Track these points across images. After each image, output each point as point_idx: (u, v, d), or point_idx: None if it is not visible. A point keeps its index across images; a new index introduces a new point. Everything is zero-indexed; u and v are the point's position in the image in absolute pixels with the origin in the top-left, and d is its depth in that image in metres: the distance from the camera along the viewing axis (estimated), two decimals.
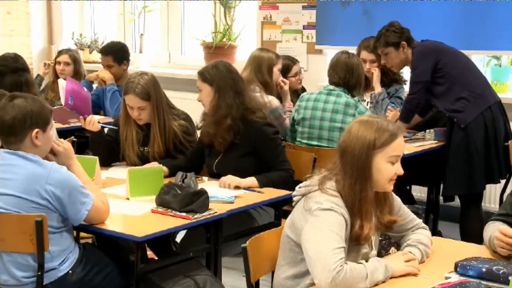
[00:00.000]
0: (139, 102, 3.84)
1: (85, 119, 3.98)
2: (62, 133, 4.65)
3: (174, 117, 3.95)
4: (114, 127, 4.04)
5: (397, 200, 2.65)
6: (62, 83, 4.28)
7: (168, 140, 3.89)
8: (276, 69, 4.74)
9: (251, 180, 3.61)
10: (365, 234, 2.44)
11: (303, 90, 5.41)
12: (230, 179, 3.58)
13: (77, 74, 5.96)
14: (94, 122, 3.96)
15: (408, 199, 4.89)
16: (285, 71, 4.96)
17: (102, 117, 5.55)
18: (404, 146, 2.55)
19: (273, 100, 4.61)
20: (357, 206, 2.44)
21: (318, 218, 2.38)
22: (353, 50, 5.15)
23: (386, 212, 2.57)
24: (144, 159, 3.90)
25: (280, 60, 4.78)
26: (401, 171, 2.51)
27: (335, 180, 2.48)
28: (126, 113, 3.93)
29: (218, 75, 3.70)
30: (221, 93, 3.68)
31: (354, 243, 2.46)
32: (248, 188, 3.56)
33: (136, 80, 3.85)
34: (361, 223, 2.44)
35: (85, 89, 4.40)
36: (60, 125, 4.97)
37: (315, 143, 4.39)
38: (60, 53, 6.10)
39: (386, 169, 2.47)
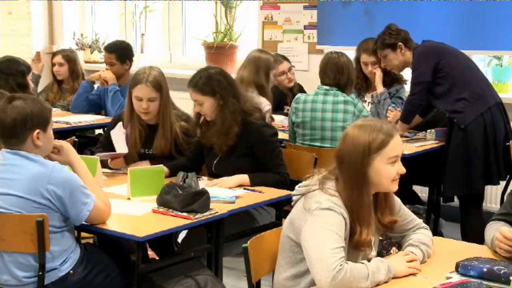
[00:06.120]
0: (151, 92, 3.80)
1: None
2: (63, 133, 4.66)
3: (176, 118, 3.94)
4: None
5: (396, 200, 2.64)
6: (120, 131, 3.93)
7: (171, 139, 3.88)
8: (272, 74, 4.71)
9: (242, 178, 3.60)
10: (363, 239, 2.44)
11: (301, 89, 5.39)
12: (218, 182, 3.57)
13: (73, 73, 5.96)
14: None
15: (412, 198, 4.89)
16: None
17: (103, 117, 5.55)
18: (402, 145, 2.53)
19: (263, 103, 4.57)
20: (355, 212, 2.43)
21: (318, 217, 2.38)
22: (353, 50, 5.16)
23: (387, 213, 2.57)
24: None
25: (277, 64, 4.75)
26: (403, 170, 2.49)
27: (335, 181, 2.48)
28: (131, 110, 3.89)
29: (216, 84, 3.62)
30: (224, 102, 3.62)
31: (354, 249, 2.46)
32: (249, 188, 3.56)
33: (147, 71, 3.84)
34: (360, 229, 2.44)
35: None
36: (61, 126, 4.98)
37: (318, 144, 4.37)
38: (54, 54, 6.11)
39: (387, 170, 2.46)
